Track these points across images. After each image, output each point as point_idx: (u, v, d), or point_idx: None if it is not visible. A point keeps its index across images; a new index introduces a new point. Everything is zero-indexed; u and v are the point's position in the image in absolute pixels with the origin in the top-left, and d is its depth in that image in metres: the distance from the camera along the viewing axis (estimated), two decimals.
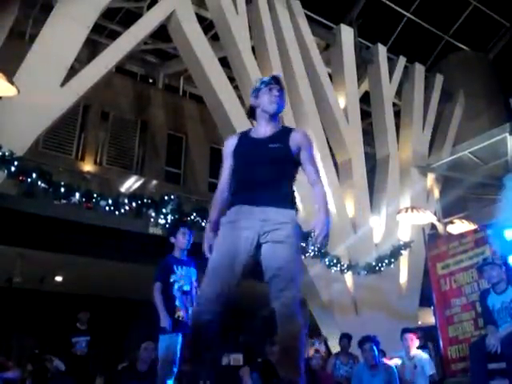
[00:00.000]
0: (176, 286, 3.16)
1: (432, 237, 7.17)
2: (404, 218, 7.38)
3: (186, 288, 3.18)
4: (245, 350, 5.53)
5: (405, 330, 4.83)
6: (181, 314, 3.12)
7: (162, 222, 6.38)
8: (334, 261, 7.31)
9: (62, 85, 5.92)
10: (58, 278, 7.68)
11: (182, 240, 3.25)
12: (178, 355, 2.99)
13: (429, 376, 4.52)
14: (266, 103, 2.13)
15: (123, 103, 9.78)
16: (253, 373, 4.25)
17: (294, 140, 2.08)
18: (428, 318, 7.62)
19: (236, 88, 7.79)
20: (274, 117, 2.16)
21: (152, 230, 6.52)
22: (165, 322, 3.00)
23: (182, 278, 3.19)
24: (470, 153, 8.56)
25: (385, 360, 4.86)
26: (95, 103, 9.21)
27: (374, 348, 4.45)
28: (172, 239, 3.30)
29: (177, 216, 6.49)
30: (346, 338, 5.46)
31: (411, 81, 10.40)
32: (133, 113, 9.92)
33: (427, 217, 7.36)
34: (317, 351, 5.47)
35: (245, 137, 2.15)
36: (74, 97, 6.02)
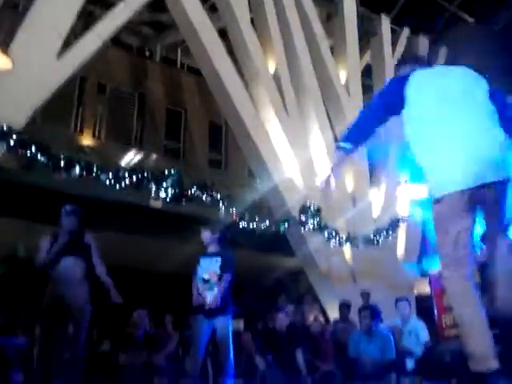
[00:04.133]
0: (198, 276, 3.84)
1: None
2: (403, 191, 7.44)
3: (206, 277, 3.77)
4: (246, 316, 5.73)
5: (399, 299, 4.96)
6: (198, 299, 3.76)
7: (162, 195, 6.44)
8: (333, 233, 7.41)
9: (58, 57, 5.83)
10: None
11: (203, 238, 3.94)
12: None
13: (423, 342, 4.68)
14: None
15: (120, 76, 9.65)
16: (254, 338, 4.40)
17: None
18: (424, 288, 7.80)
19: (235, 61, 7.67)
20: None
21: (153, 204, 6.59)
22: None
23: (203, 268, 3.82)
24: None
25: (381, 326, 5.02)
26: (92, 76, 9.09)
27: (373, 316, 4.59)
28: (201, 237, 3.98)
29: (177, 190, 6.54)
30: (345, 306, 5.63)
31: (414, 54, 10.22)
32: (130, 86, 9.80)
33: (426, 190, 7.40)
34: (316, 318, 5.65)
35: None
36: (70, 69, 5.94)
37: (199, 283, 3.78)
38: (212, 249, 3.92)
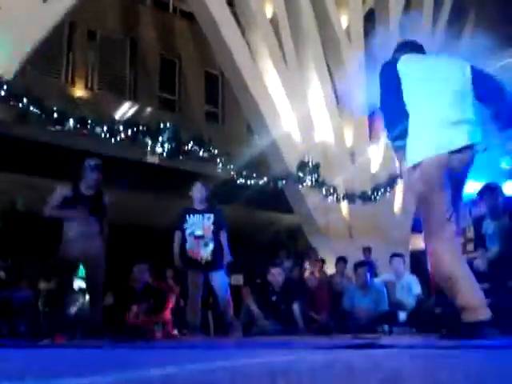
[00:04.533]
0: (188, 232, 3.85)
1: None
2: None
3: (199, 233, 3.81)
4: (245, 270, 5.90)
5: (394, 255, 5.08)
6: (192, 255, 3.81)
7: (159, 150, 6.33)
8: (331, 190, 7.42)
9: (45, 0, 5.47)
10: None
11: (196, 194, 3.94)
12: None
13: (415, 295, 4.84)
14: None
15: (111, 22, 9.14)
16: (253, 292, 4.53)
17: None
18: (418, 243, 7.97)
19: (231, 4, 7.24)
20: None
21: (150, 159, 6.49)
22: (176, 261, 3.87)
23: (194, 224, 3.84)
24: None
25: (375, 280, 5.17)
26: (81, 21, 8.59)
27: (368, 272, 4.71)
28: (190, 193, 3.96)
29: (174, 144, 6.42)
30: (341, 261, 5.77)
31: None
32: (121, 32, 9.30)
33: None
34: (312, 273, 5.80)
35: None
36: (58, 14, 5.59)
37: (190, 239, 3.84)
38: (201, 206, 3.94)
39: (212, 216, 3.87)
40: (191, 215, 3.89)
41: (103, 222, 3.56)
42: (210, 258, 3.80)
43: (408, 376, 0.99)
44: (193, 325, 3.88)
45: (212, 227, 3.84)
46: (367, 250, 6.41)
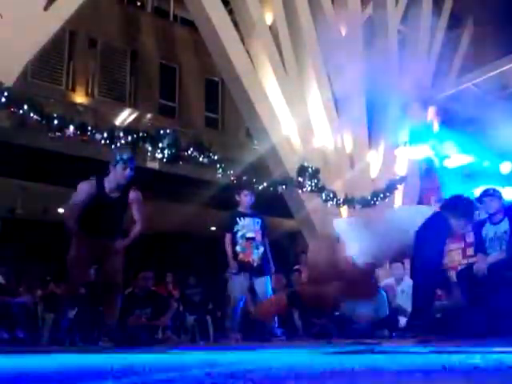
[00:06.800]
0: (239, 234, 3.88)
1: (428, 170, 7.24)
2: (402, 152, 7.39)
3: (251, 235, 3.85)
4: None
5: (392, 260, 5.07)
6: (242, 257, 3.83)
7: (159, 156, 6.34)
8: (331, 195, 7.43)
9: (46, 9, 5.51)
10: (61, 210, 7.86)
11: (244, 199, 4.01)
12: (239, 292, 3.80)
13: None
14: None
15: (111, 29, 9.21)
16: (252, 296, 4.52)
17: None
18: None
19: (231, 12, 7.30)
20: None
21: (150, 165, 6.52)
22: (230, 264, 3.83)
23: (245, 227, 3.87)
24: (473, 85, 8.32)
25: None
26: (82, 29, 8.67)
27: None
28: (237, 197, 4.06)
29: (174, 150, 6.44)
30: None
31: (419, 4, 9.75)
32: (122, 40, 9.38)
33: (425, 151, 7.37)
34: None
35: None
36: (58, 21, 5.64)
37: (241, 241, 3.84)
38: (249, 211, 4.00)
39: (260, 221, 3.95)
40: (242, 218, 3.92)
41: (123, 217, 3.20)
42: (259, 262, 3.81)
43: (408, 381, 1.00)
44: (232, 330, 3.83)
45: (260, 232, 3.89)
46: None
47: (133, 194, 3.22)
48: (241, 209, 4.01)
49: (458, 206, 2.67)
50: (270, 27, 7.53)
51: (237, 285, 3.82)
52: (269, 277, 3.90)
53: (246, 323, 4.32)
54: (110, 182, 3.12)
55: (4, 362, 1.89)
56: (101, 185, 3.12)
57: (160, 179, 7.00)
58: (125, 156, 3.14)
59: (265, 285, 3.83)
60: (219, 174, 6.37)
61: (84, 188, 3.10)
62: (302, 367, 1.32)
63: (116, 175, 3.10)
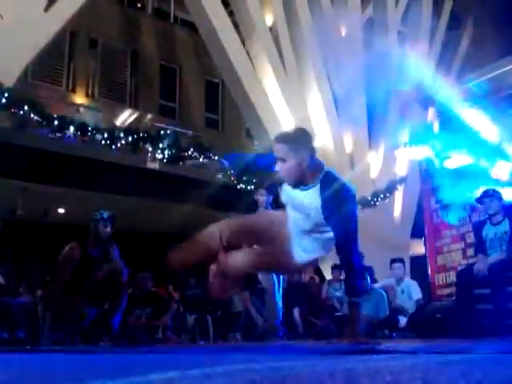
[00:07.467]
0: None
1: (428, 171, 7.23)
2: (402, 152, 7.39)
3: None
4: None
5: (393, 260, 5.08)
6: None
7: (159, 156, 6.35)
8: None
9: (46, 10, 5.53)
10: (61, 210, 7.88)
11: (261, 199, 4.03)
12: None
13: (415, 300, 4.83)
14: None
15: (111, 30, 9.23)
16: (252, 297, 4.53)
17: None
18: (419, 248, 7.96)
19: (231, 13, 7.31)
20: None
21: (150, 165, 6.52)
22: None
23: None
24: (473, 85, 8.31)
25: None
26: (82, 30, 8.68)
27: (368, 277, 4.70)
28: (255, 196, 4.10)
29: (174, 151, 6.45)
30: (337, 269, 5.72)
31: (419, 4, 9.76)
32: (122, 41, 9.39)
33: (425, 151, 7.35)
34: (312, 278, 5.78)
35: None
36: (59, 22, 5.66)
37: None
38: (269, 209, 4.03)
39: None
40: None
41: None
42: None
43: (409, 381, 1.00)
44: (275, 321, 3.91)
45: None
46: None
47: (114, 249, 3.41)
48: (260, 209, 4.09)
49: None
50: (270, 29, 7.54)
51: (270, 279, 3.90)
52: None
53: (246, 323, 4.33)
54: (91, 241, 3.29)
55: (4, 362, 1.90)
56: (84, 248, 3.29)
57: (160, 179, 7.01)
58: (105, 215, 3.31)
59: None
60: (219, 174, 6.39)
61: (68, 256, 3.26)
62: (302, 367, 1.33)
63: (98, 233, 3.28)
